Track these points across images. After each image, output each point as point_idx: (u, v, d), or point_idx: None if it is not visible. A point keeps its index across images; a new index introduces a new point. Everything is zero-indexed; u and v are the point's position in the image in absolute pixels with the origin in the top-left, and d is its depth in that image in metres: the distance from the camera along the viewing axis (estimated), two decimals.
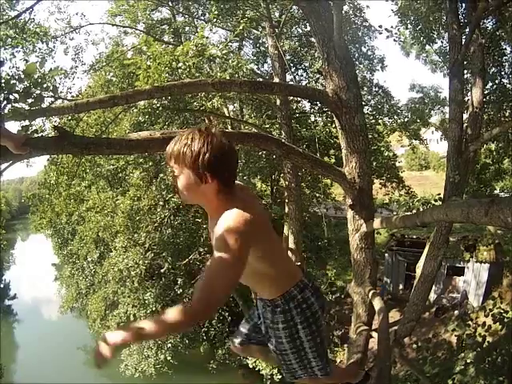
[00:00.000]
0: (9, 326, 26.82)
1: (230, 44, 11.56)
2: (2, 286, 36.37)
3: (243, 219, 1.34)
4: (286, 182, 11.81)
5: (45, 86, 3.94)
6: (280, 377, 12.22)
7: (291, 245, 11.62)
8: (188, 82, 4.72)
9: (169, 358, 13.71)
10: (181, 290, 13.89)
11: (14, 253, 48.88)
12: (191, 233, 14.08)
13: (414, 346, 10.60)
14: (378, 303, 3.74)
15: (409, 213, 6.15)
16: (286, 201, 11.93)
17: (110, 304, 16.18)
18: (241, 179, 11.20)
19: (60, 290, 23.57)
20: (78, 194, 20.46)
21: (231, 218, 1.33)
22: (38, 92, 3.75)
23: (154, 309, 13.78)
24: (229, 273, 1.30)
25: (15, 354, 22.66)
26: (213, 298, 1.27)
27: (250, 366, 12.93)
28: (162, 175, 12.74)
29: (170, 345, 13.82)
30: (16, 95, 3.74)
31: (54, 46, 11.34)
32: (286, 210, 12.05)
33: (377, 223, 3.85)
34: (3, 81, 3.75)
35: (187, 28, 14.17)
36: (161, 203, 13.48)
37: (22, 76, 3.76)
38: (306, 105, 15.47)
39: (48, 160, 20.12)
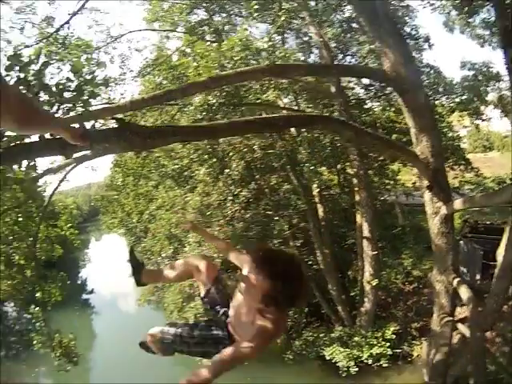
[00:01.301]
0: (86, 317, 30.66)
1: (273, 37, 12.06)
2: (79, 282, 41.54)
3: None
4: (354, 170, 12.28)
5: (95, 82, 4.42)
6: (356, 369, 12.78)
7: (366, 233, 12.12)
8: (244, 70, 5.10)
9: None
10: None
11: (89, 252, 54.94)
12: (263, 226, 14.90)
13: (497, 339, 10.57)
14: (465, 292, 3.85)
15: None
16: (356, 189, 12.41)
17: (187, 296, 17.56)
18: (307, 169, 11.90)
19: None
20: (146, 193, 22.43)
21: (273, 326, 2.01)
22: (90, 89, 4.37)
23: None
24: (243, 360, 2.05)
25: (92, 342, 25.51)
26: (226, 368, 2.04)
27: (327, 358, 13.55)
28: (227, 171, 13.79)
29: None
30: (69, 94, 4.34)
31: (98, 57, 12.55)
32: (357, 198, 12.52)
33: (458, 204, 3.98)
34: (54, 84, 4.40)
35: (226, 27, 14.78)
36: (230, 198, 14.54)
37: (72, 75, 4.37)
38: (359, 91, 15.63)
39: (112, 163, 22.31)
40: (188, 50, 13.27)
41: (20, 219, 10.14)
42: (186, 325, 2.66)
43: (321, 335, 14.13)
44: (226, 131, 3.43)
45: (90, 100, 4.41)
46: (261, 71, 4.50)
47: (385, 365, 12.56)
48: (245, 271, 2.17)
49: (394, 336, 12.99)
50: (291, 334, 15.49)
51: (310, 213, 13.52)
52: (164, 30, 14.73)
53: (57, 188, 9.97)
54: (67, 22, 9.78)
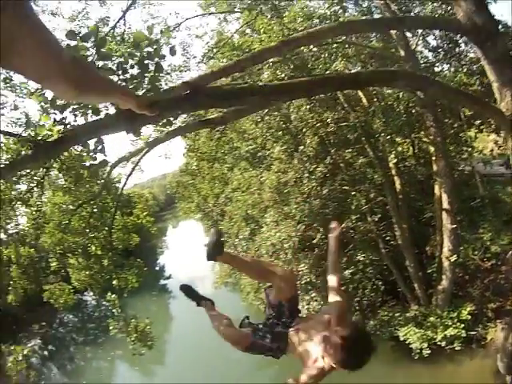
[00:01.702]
0: (164, 301, 34.25)
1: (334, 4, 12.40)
2: (157, 268, 46.09)
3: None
4: (430, 137, 12.42)
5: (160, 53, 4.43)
6: (429, 351, 13.07)
7: (445, 205, 12.31)
8: (314, 30, 5.14)
9: None
10: None
11: (166, 239, 60.53)
12: (340, 202, 15.73)
13: None
14: None
15: None
16: (433, 158, 12.61)
17: None
18: (383, 139, 12.46)
19: (213, 268, 28.74)
20: (222, 175, 24.16)
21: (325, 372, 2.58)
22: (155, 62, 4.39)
23: (308, 280, 15.89)
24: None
25: (169, 325, 28.76)
26: None
27: (401, 339, 13.92)
28: (301, 147, 14.64)
29: None
30: (132, 71, 4.40)
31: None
32: (434, 168, 12.73)
33: None
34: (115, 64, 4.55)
35: (283, 2, 15.25)
36: (306, 175, 15.43)
37: (133, 50, 4.47)
38: (428, 55, 15.52)
39: (185, 148, 24.24)
40: (248, 31, 14.18)
41: (95, 210, 11.03)
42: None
43: (396, 315, 14.55)
44: (306, 88, 3.48)
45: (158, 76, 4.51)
46: (331, 30, 4.68)
47: (458, 348, 12.75)
48: (327, 330, 2.68)
49: (469, 317, 13.03)
50: (367, 313, 16.14)
51: (387, 186, 13.94)
52: (221, 12, 15.50)
53: (130, 174, 10.30)
54: (122, 18, 10.03)
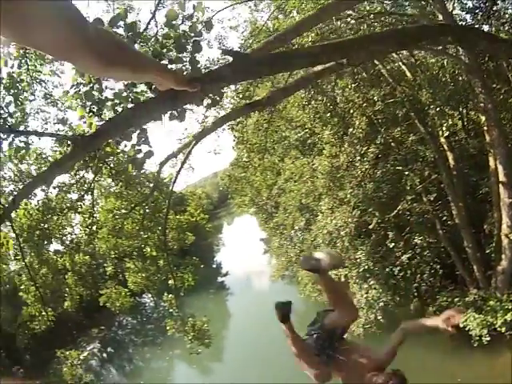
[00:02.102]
0: (222, 298, 36.31)
1: None
2: (214, 266, 48.62)
3: None
4: (481, 105, 12.20)
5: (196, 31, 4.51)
6: (488, 338, 13.10)
7: (501, 178, 12.24)
8: None
9: (379, 317, 15.96)
10: (392, 244, 16.14)
11: (222, 236, 64.15)
12: (393, 183, 16.14)
13: None
14: None
15: None
16: (485, 128, 12.55)
17: None
18: (433, 111, 12.49)
19: (270, 262, 30.22)
20: (273, 166, 25.17)
21: None
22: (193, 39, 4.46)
23: (366, 267, 16.41)
24: None
25: (227, 321, 30.39)
26: None
27: (460, 326, 13.59)
28: (351, 130, 15.15)
29: (381, 303, 16.06)
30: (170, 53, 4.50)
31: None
32: (487, 138, 12.63)
33: None
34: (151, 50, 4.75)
35: None
36: (357, 158, 16.04)
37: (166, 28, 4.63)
38: (466, 17, 15.31)
39: (234, 141, 25.38)
40: (281, 16, 14.84)
41: (148, 211, 11.74)
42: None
43: (455, 300, 14.70)
44: (359, 47, 3.46)
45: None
46: None
47: None
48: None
49: None
50: (425, 299, 16.49)
51: (440, 162, 14.11)
52: (250, 0, 16.02)
53: (180, 169, 10.59)
54: (153, 18, 10.19)
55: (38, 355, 24.46)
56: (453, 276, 16.22)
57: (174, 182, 10.56)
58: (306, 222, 22.87)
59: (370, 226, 16.19)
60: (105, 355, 30.74)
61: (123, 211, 13.08)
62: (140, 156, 5.79)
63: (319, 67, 5.12)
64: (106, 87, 5.08)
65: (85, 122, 4.82)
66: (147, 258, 13.84)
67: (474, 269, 14.61)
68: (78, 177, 10.93)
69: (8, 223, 8.38)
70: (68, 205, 11.47)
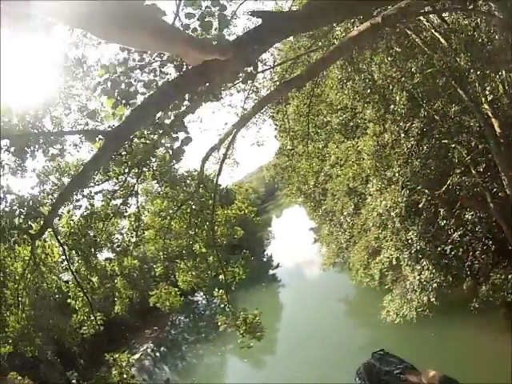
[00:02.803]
0: (274, 291, 37.69)
1: None
2: (265, 259, 50.33)
3: None
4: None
5: None
6: None
7: None
8: None
9: (432, 299, 16.12)
10: (443, 222, 16.19)
11: (271, 229, 65.54)
12: (440, 158, 16.18)
13: None
14: None
15: None
16: None
17: (372, 252, 20.17)
18: (473, 76, 12.68)
19: (320, 250, 31.01)
20: (318, 151, 25.69)
21: None
22: None
23: (417, 248, 16.60)
24: None
25: (279, 313, 31.45)
26: None
27: None
28: (392, 106, 15.18)
29: (435, 284, 16.19)
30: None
31: None
32: None
33: None
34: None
35: None
36: (402, 135, 16.15)
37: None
38: None
39: (276, 130, 25.90)
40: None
41: (194, 208, 11.94)
42: None
43: (509, 277, 14.67)
44: None
45: None
46: None
47: None
48: None
49: None
50: (478, 277, 16.41)
51: (486, 131, 13.98)
52: None
53: (223, 161, 10.78)
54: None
55: (93, 359, 25.74)
56: (506, 252, 16.05)
57: (219, 174, 10.74)
58: (354, 206, 23.38)
59: (420, 205, 16.32)
60: (158, 354, 32.41)
61: (170, 211, 13.58)
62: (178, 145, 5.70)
63: (354, 32, 5.13)
64: (136, 80, 5.30)
65: (114, 114, 4.72)
66: (197, 255, 14.18)
67: None
68: (121, 182, 11.51)
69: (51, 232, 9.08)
70: (113, 210, 11.91)
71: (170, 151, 5.82)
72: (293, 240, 50.16)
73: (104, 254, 14.81)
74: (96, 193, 12.02)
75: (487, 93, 13.19)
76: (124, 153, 8.54)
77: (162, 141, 5.78)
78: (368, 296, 23.48)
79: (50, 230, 8.64)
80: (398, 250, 17.37)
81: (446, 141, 15.59)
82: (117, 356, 12.53)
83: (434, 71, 13.61)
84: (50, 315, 15.12)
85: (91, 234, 12.03)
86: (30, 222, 7.66)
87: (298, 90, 16.11)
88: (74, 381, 24.02)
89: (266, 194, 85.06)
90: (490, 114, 14.16)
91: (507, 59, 11.76)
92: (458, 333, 16.42)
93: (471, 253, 16.35)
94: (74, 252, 11.90)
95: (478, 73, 11.98)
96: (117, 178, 11.38)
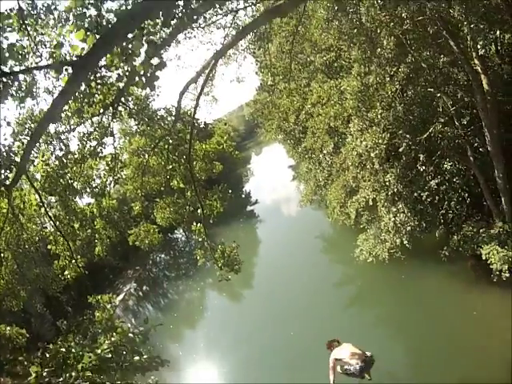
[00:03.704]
0: (251, 226, 38.64)
1: None
2: (243, 195, 51.28)
3: None
4: None
5: None
6: (508, 275, 13.65)
7: None
8: None
9: (405, 242, 16.69)
10: (423, 168, 16.52)
11: (251, 167, 66.82)
12: (424, 105, 16.18)
13: None
14: None
15: None
16: None
17: (350, 191, 20.33)
18: (466, 28, 12.26)
19: (298, 187, 31.37)
20: (299, 88, 25.43)
21: None
22: None
23: (394, 190, 16.96)
24: None
25: (257, 249, 32.49)
26: None
27: (483, 258, 14.56)
28: (379, 50, 14.77)
29: (408, 228, 16.70)
30: None
31: None
32: None
33: None
34: None
35: None
36: (387, 79, 15.89)
37: None
38: None
39: (257, 65, 25.41)
40: None
41: (171, 141, 11.59)
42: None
43: (480, 230, 15.15)
44: None
45: None
46: None
47: None
48: None
49: None
50: (451, 227, 17.10)
51: (474, 85, 13.85)
52: None
53: (201, 92, 10.45)
54: None
55: (80, 306, 26.34)
56: (480, 206, 16.67)
57: (196, 105, 10.59)
58: (334, 145, 23.25)
59: (400, 149, 16.46)
60: (140, 294, 33.48)
61: (147, 149, 13.56)
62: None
63: None
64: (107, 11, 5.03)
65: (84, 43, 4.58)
66: (175, 191, 14.33)
67: (502, 201, 14.96)
68: (96, 123, 11.18)
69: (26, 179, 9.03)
70: (89, 152, 11.55)
71: (144, 78, 5.51)
72: (271, 177, 51.17)
73: (84, 200, 14.68)
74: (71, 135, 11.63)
75: (479, 47, 12.92)
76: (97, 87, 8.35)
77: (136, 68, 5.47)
78: (343, 234, 24.41)
79: (24, 177, 8.69)
80: (375, 191, 17.67)
81: (431, 89, 15.50)
82: (99, 297, 12.75)
83: (425, 19, 13.37)
84: (33, 266, 15.17)
85: (68, 177, 11.77)
86: (5, 173, 7.58)
87: (281, 19, 15.93)
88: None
89: (246, 133, 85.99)
90: (480, 70, 14.04)
91: (503, 19, 11.65)
92: (427, 278, 17.17)
93: (446, 202, 16.85)
94: (52, 198, 11.93)
95: (472, 26, 11.58)
96: (91, 120, 11.11)
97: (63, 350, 6.73)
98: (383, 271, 18.40)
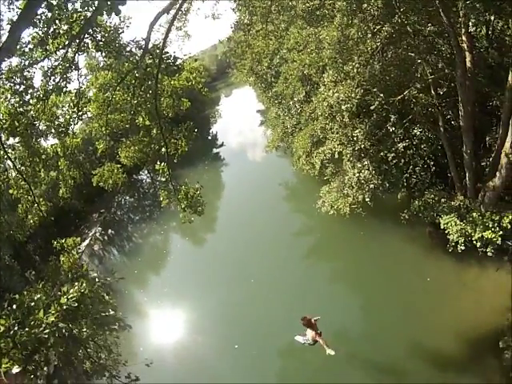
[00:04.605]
0: (216, 169, 38.37)
1: None
2: (209, 137, 50.70)
3: None
4: None
5: None
6: (463, 248, 14.26)
7: None
8: None
9: (367, 199, 16.97)
10: (393, 129, 16.66)
11: (219, 108, 65.82)
12: (403, 69, 16.10)
13: None
14: None
15: None
16: None
17: (317, 141, 20.32)
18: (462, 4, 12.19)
19: (265, 133, 31.39)
20: (277, 31, 24.77)
21: None
22: None
23: (362, 146, 16.99)
24: None
25: (221, 192, 32.65)
26: None
27: (441, 227, 15.10)
28: (365, 6, 14.44)
29: (372, 185, 16.95)
30: None
31: None
32: None
33: None
34: None
35: None
36: (369, 35, 15.45)
37: None
38: None
39: (235, 2, 24.40)
40: None
41: (138, 74, 11.13)
42: None
43: (441, 200, 15.62)
44: None
45: None
46: None
47: (489, 253, 13.85)
48: None
49: (509, 226, 13.62)
50: (413, 191, 17.63)
51: (458, 59, 13.71)
52: None
53: (172, 23, 10.29)
54: None
55: (47, 253, 26.12)
56: (444, 177, 17.15)
57: (166, 36, 10.45)
58: (306, 93, 23.14)
59: (372, 107, 16.39)
60: (106, 238, 33.12)
61: (114, 83, 12.81)
62: None
63: None
64: None
65: None
66: (140, 129, 13.94)
67: (466, 176, 15.38)
68: (61, 56, 10.51)
69: None
70: (53, 87, 10.88)
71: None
72: (239, 120, 50.88)
73: (49, 142, 14.13)
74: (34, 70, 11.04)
75: (470, 25, 12.73)
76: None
77: None
78: (306, 184, 24.68)
79: None
80: (342, 144, 17.72)
81: (412, 54, 15.45)
82: (63, 241, 12.59)
83: None
84: None
85: (30, 115, 11.31)
86: None
87: None
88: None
89: (217, 73, 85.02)
90: (466, 47, 13.97)
91: (501, 6, 11.50)
92: (385, 239, 17.78)
93: (412, 166, 17.22)
94: (14, 139, 11.38)
95: (468, 3, 11.29)
96: (56, 53, 10.53)
97: (29, 300, 6.78)
98: (343, 225, 18.84)
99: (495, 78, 15.17)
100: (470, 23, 12.60)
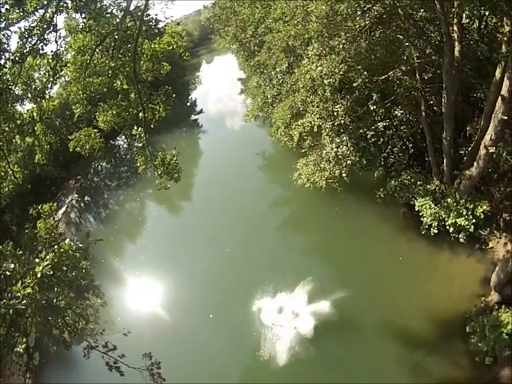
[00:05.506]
0: (194, 136, 38.39)
1: None
2: (188, 104, 49.96)
3: None
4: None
5: None
6: (436, 231, 14.54)
7: (504, 92, 12.01)
8: None
9: (344, 174, 17.11)
10: (374, 107, 16.67)
11: (200, 75, 64.54)
12: (389, 50, 15.95)
13: None
14: None
15: None
16: (504, 38, 12.15)
17: (296, 113, 20.04)
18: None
19: (245, 101, 31.02)
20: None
21: None
22: None
23: (341, 122, 17.08)
24: None
25: (198, 159, 32.65)
26: None
27: (416, 209, 15.38)
28: None
29: (349, 161, 17.04)
30: None
31: None
32: (503, 49, 12.28)
33: None
34: None
35: None
36: (359, 12, 15.26)
37: None
38: None
39: None
40: None
41: (117, 36, 10.68)
42: None
43: (418, 182, 15.87)
44: None
45: None
46: None
47: (461, 240, 14.22)
48: None
49: (482, 215, 13.98)
50: (390, 171, 17.83)
51: (446, 47, 13.73)
52: None
53: None
54: None
55: (24, 223, 25.82)
56: (421, 160, 17.43)
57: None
58: (289, 64, 22.99)
59: (355, 84, 16.24)
60: (82, 205, 32.58)
61: (93, 46, 12.13)
62: None
63: None
64: None
65: None
66: (118, 93, 13.19)
67: (444, 162, 15.63)
68: (39, 17, 9.91)
69: None
70: (29, 49, 10.27)
71: None
72: (219, 88, 49.86)
73: (25, 107, 13.63)
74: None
75: (464, 16, 12.74)
76: None
77: None
78: (284, 155, 24.68)
79: None
80: (322, 118, 17.73)
81: (401, 37, 15.37)
82: (39, 207, 12.30)
83: None
84: None
85: (5, 79, 10.67)
86: None
87: None
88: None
89: (200, 39, 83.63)
90: (456, 37, 13.93)
91: (498, 4, 11.45)
92: (359, 215, 18.04)
93: (390, 146, 17.33)
94: None
95: None
96: (34, 14, 10.06)
97: (4, 269, 6.65)
98: (318, 199, 19.02)
99: (482, 71, 15.45)
100: (464, 15, 12.61)
